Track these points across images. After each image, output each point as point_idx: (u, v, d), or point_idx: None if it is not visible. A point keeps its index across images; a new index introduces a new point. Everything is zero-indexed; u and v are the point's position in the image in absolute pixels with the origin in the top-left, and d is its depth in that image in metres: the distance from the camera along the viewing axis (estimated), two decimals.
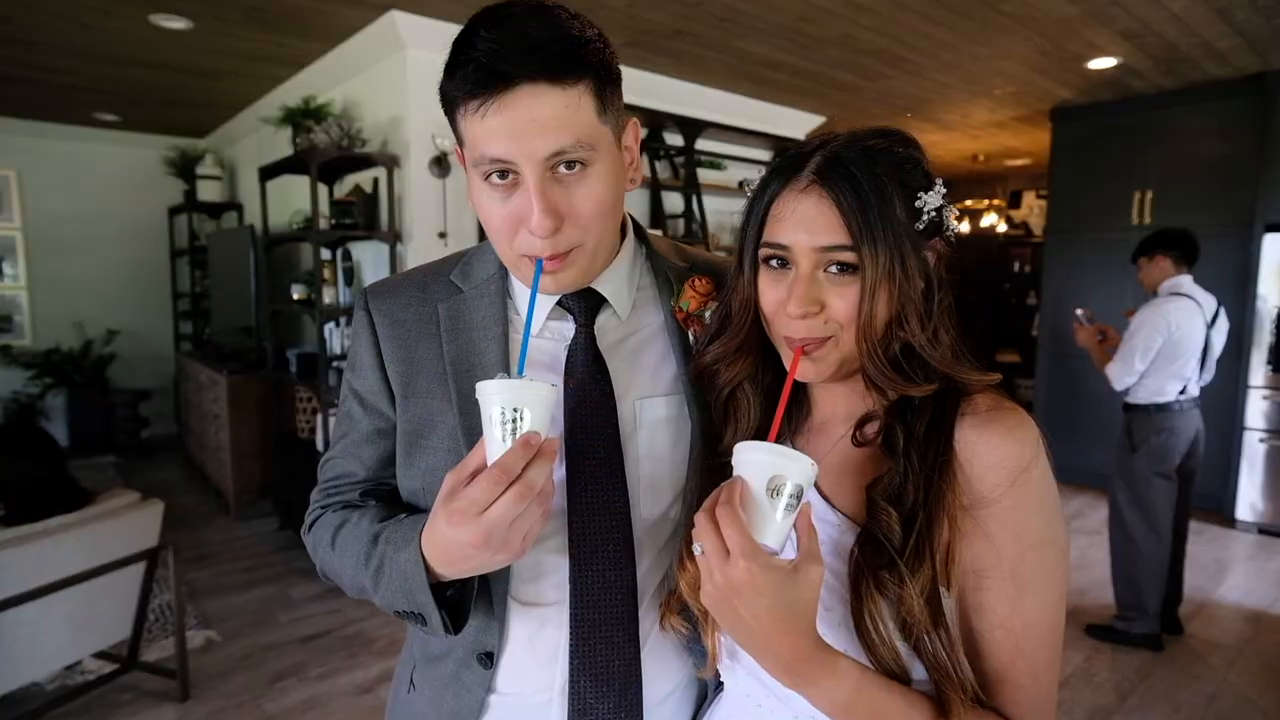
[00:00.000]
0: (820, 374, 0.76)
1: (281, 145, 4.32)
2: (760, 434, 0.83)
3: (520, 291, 0.91)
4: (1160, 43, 4.06)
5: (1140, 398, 3.20)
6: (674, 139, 4.84)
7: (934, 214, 0.73)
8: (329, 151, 3.75)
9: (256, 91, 5.04)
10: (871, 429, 0.78)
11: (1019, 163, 7.72)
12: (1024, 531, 0.68)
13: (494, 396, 0.70)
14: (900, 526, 0.68)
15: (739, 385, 0.84)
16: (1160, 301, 3.19)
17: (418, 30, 3.62)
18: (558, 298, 0.88)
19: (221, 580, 3.83)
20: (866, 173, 0.71)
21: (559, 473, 0.85)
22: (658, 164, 4.87)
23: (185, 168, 6.09)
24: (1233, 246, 4.71)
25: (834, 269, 0.72)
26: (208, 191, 6.06)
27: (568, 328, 0.89)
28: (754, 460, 0.66)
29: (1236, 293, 4.64)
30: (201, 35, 3.86)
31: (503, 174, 0.76)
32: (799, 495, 0.65)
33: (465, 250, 0.98)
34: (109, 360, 6.30)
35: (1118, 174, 5.28)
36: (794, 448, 0.83)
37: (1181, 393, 3.17)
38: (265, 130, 4.87)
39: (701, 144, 4.97)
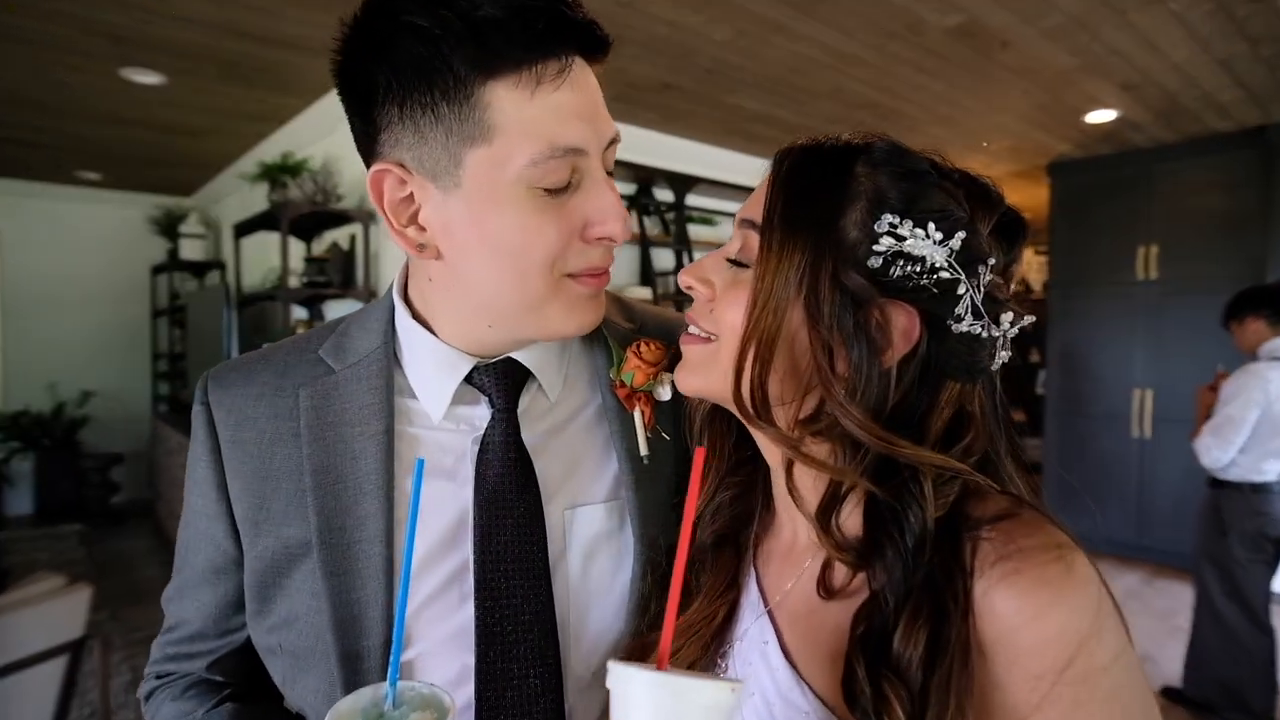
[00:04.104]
0: (683, 383, 0.61)
1: (262, 202, 4.20)
2: (737, 473, 0.68)
3: (414, 368, 0.68)
4: (1161, 94, 3.96)
5: (1234, 475, 2.81)
6: (664, 194, 4.72)
7: (907, 259, 0.53)
8: (301, 206, 3.61)
9: (239, 149, 4.94)
10: (839, 579, 0.56)
11: None
12: None
13: None
14: None
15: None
16: (1258, 366, 2.79)
17: None
18: (466, 371, 0.66)
19: None
20: (832, 163, 0.55)
21: (463, 613, 0.63)
22: (647, 220, 4.73)
23: (169, 226, 5.98)
24: None
25: (741, 258, 0.58)
26: (191, 250, 5.94)
27: (480, 414, 0.67)
28: (642, 703, 0.41)
29: None
30: (177, 91, 3.76)
31: (559, 177, 0.58)
32: None
33: (341, 317, 0.75)
34: (81, 423, 6.07)
35: (1120, 228, 5.13)
36: (754, 567, 0.62)
37: None
38: (248, 188, 4.76)
39: (692, 199, 4.85)
